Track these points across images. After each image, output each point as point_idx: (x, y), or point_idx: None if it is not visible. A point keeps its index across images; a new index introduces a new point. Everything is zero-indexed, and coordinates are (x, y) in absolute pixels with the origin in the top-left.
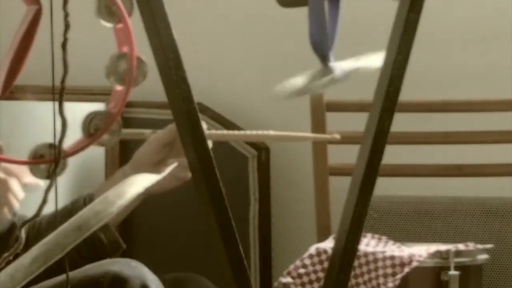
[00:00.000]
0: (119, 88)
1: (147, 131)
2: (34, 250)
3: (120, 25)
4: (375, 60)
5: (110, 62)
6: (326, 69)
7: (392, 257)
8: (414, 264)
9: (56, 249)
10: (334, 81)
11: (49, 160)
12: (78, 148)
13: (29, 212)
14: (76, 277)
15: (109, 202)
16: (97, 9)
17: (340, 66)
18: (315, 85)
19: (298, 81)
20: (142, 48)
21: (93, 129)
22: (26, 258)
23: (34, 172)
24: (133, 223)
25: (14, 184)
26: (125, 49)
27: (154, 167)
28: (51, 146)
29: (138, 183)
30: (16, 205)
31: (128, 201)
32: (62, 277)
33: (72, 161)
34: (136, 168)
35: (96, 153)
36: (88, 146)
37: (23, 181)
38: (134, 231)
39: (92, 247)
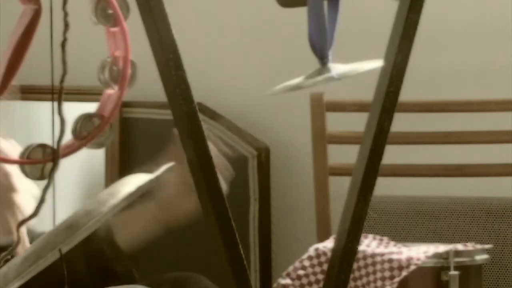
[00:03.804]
0: (109, 91)
1: None
2: (26, 250)
3: (114, 29)
4: (374, 64)
5: (101, 66)
6: (324, 69)
7: (391, 260)
8: (412, 267)
9: (46, 247)
10: (329, 80)
11: (46, 160)
12: (68, 151)
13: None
14: None
15: (100, 202)
16: (93, 12)
17: (338, 67)
18: (310, 81)
19: (296, 80)
20: (142, 48)
21: (83, 131)
22: (18, 258)
23: (25, 172)
24: None
25: (17, 196)
26: (117, 52)
27: (180, 201)
28: (41, 146)
29: (131, 183)
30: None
31: (120, 200)
32: None
33: (72, 162)
34: (163, 203)
35: (96, 153)
36: (79, 149)
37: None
38: None
39: (105, 274)
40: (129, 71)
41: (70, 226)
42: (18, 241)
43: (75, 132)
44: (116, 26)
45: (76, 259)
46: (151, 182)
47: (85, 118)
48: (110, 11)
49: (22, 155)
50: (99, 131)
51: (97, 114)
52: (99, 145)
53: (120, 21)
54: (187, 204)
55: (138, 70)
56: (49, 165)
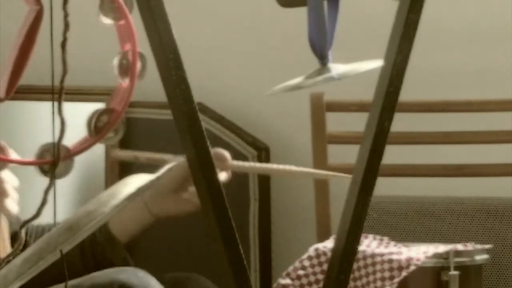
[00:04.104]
0: (124, 84)
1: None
2: (27, 251)
3: (122, 22)
4: (374, 64)
5: (114, 60)
6: (324, 69)
7: (390, 261)
8: (412, 268)
9: (47, 248)
10: (329, 80)
11: (50, 161)
12: (83, 147)
13: (30, 212)
14: (83, 284)
15: (101, 202)
16: (99, 6)
17: (338, 67)
18: (310, 81)
19: (296, 80)
20: (142, 48)
21: (98, 127)
22: (18, 259)
23: (40, 172)
24: None
25: (8, 188)
26: (127, 46)
27: (175, 194)
28: (54, 146)
29: (132, 183)
30: (14, 209)
31: (121, 201)
32: (69, 283)
33: None
34: (156, 194)
35: (96, 154)
36: (94, 144)
37: (13, 184)
38: None
39: (101, 264)
40: (138, 63)
41: (70, 227)
42: (20, 242)
43: (89, 128)
44: (121, 19)
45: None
46: (152, 183)
47: (99, 113)
48: (114, 5)
49: (39, 155)
50: (112, 125)
51: (109, 109)
52: (110, 140)
53: (125, 14)
54: (179, 200)
55: (147, 63)
56: (66, 162)
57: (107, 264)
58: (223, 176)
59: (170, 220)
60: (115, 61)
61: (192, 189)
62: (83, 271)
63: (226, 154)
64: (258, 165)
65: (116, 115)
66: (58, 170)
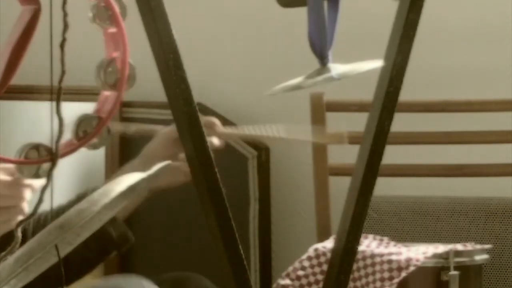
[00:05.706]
0: (106, 93)
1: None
2: (19, 250)
3: (111, 30)
4: (374, 64)
5: (99, 68)
6: (324, 69)
7: (390, 261)
8: (411, 268)
9: (38, 247)
10: (329, 80)
11: (46, 160)
12: (67, 150)
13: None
14: None
15: (93, 201)
16: (91, 13)
17: (338, 67)
18: (310, 81)
19: (296, 80)
20: (142, 48)
21: (82, 132)
22: (11, 258)
23: (22, 172)
24: (132, 222)
25: (27, 191)
26: (115, 54)
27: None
28: (38, 146)
29: (124, 182)
30: (26, 210)
31: (112, 200)
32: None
33: (72, 161)
34: (146, 162)
35: (96, 153)
36: (77, 149)
37: (34, 186)
38: (134, 230)
39: (101, 240)
40: (127, 72)
41: (61, 226)
42: (16, 241)
43: (75, 132)
44: (114, 27)
45: None
46: (144, 181)
47: (85, 119)
48: (108, 12)
49: (19, 154)
50: (97, 132)
51: (96, 115)
52: (94, 147)
53: (118, 22)
54: (171, 170)
55: (136, 72)
56: (45, 165)
57: (109, 243)
58: (215, 141)
59: (163, 191)
60: (101, 68)
61: (182, 156)
62: (86, 252)
63: (215, 120)
64: (248, 131)
65: (101, 122)
66: (40, 171)
